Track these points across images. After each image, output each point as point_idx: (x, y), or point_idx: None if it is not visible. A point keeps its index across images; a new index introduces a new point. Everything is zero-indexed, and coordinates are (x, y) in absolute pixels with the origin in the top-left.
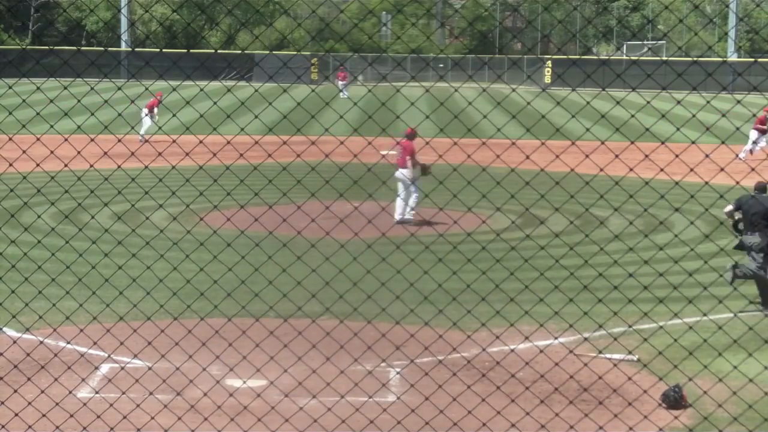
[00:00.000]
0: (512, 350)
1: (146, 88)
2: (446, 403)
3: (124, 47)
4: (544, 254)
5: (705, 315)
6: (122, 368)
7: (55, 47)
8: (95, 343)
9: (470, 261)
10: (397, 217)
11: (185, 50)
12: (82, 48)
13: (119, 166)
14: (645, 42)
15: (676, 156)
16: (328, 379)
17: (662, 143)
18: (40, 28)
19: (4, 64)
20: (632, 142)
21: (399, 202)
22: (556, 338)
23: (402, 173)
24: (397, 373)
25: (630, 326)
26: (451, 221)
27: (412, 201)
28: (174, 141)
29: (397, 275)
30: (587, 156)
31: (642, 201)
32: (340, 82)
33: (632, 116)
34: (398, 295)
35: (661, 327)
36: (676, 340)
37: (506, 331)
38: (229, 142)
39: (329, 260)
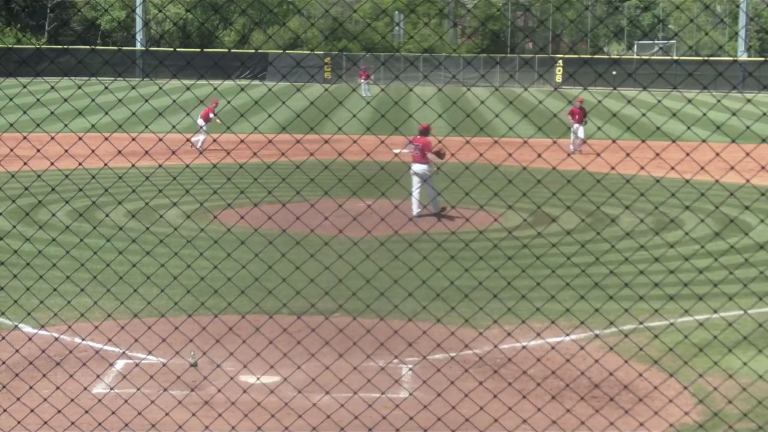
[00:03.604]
0: (524, 347)
1: (160, 87)
2: (458, 399)
3: (138, 47)
4: (555, 252)
5: (715, 312)
6: (137, 365)
7: (70, 47)
8: (110, 340)
9: (482, 258)
10: (416, 210)
11: (198, 49)
12: (97, 48)
13: (133, 165)
14: (656, 41)
15: (687, 154)
16: (341, 376)
17: (673, 142)
18: (55, 28)
19: (19, 63)
20: (643, 141)
21: (415, 198)
22: (567, 335)
23: (420, 168)
24: (410, 369)
25: (641, 323)
26: (463, 219)
27: (431, 194)
28: (188, 140)
29: (410, 272)
30: (598, 155)
31: (653, 199)
32: (363, 82)
33: (643, 115)
34: (411, 292)
35: (671, 324)
36: (686, 337)
37: (518, 328)
38: (242, 141)
39: (342, 258)
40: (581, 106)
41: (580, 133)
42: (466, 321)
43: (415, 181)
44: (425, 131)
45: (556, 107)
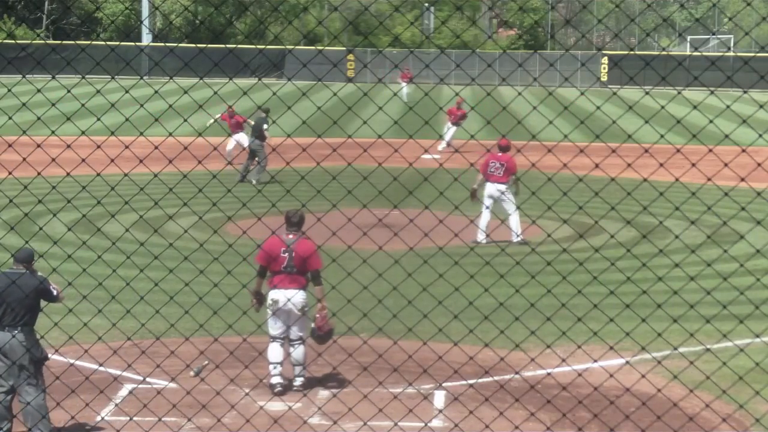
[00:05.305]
0: (548, 374)
1: (156, 91)
2: (478, 429)
3: (144, 41)
4: (582, 269)
5: (757, 336)
6: (130, 392)
7: (65, 42)
8: (101, 365)
9: (503, 277)
10: (481, 237)
11: (204, 45)
12: (94, 43)
13: (126, 175)
14: (711, 36)
15: (758, 165)
16: (351, 404)
17: (743, 150)
18: (54, 22)
19: (11, 59)
20: (710, 150)
21: (484, 221)
22: (595, 361)
23: (497, 189)
24: (425, 397)
25: (675, 348)
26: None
27: (515, 223)
28: (185, 148)
29: (424, 290)
30: (661, 165)
31: (699, 209)
32: (404, 84)
33: (710, 122)
34: (426, 313)
35: (708, 350)
36: (725, 364)
37: (542, 353)
38: (245, 149)
39: (351, 275)
40: (460, 107)
41: (449, 134)
42: (486, 345)
43: (487, 203)
44: (507, 147)
45: (603, 108)
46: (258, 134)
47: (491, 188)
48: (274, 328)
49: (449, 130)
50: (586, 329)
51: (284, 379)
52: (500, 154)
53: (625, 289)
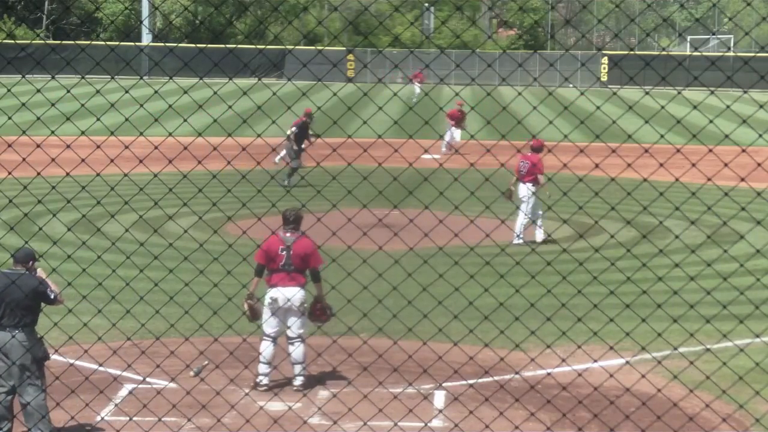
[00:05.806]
0: (548, 374)
1: (156, 91)
2: (478, 429)
3: (144, 41)
4: (582, 269)
5: (758, 336)
6: (130, 392)
7: (65, 41)
8: (101, 365)
9: (503, 277)
10: (516, 239)
11: (204, 45)
12: (94, 43)
13: (126, 175)
14: (711, 36)
15: (759, 165)
16: (351, 404)
17: (743, 150)
18: (53, 22)
19: (11, 59)
20: (710, 150)
21: (519, 222)
22: (595, 361)
23: (521, 188)
24: (425, 397)
25: (675, 348)
26: (482, 233)
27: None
28: (185, 148)
29: (424, 290)
30: (662, 165)
31: (699, 208)
32: (416, 84)
33: (710, 122)
34: (426, 313)
35: (708, 350)
36: (725, 364)
37: (542, 353)
38: (244, 149)
39: (351, 275)
40: (460, 110)
41: (456, 136)
42: (486, 345)
43: (522, 205)
44: (538, 148)
45: (597, 107)
46: (300, 137)
47: (521, 188)
48: (270, 326)
49: (451, 133)
50: (586, 329)
51: (270, 380)
52: (530, 154)
53: (625, 289)
